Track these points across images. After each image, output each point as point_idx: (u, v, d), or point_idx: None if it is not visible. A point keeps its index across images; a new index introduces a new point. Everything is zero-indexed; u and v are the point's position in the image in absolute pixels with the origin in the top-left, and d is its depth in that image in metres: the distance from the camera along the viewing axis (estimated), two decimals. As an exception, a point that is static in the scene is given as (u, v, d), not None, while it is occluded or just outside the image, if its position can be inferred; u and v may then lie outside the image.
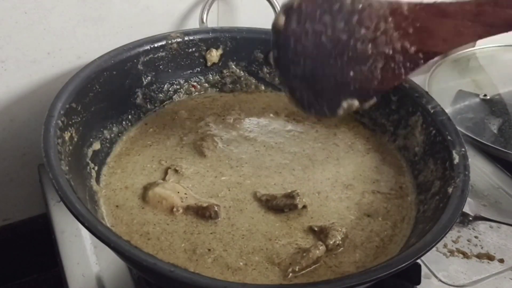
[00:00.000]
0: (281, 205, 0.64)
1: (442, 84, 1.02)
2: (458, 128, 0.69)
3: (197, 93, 0.82)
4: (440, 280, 0.70)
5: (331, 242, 0.61)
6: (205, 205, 0.63)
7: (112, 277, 0.69)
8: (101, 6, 0.78)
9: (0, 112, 0.79)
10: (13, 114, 0.80)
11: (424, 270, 0.65)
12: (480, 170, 0.87)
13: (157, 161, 0.70)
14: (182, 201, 0.64)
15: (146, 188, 0.65)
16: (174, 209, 0.63)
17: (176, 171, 0.68)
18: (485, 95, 1.00)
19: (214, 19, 0.88)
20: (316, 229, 0.63)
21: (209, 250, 0.59)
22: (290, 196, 0.65)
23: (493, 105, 0.99)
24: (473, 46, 1.11)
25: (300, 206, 0.64)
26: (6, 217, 0.90)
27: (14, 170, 0.86)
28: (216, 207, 0.63)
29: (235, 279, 0.56)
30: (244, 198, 0.66)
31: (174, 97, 0.80)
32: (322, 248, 0.59)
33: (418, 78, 1.02)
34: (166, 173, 0.68)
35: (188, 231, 0.61)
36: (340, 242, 0.61)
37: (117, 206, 0.64)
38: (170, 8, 0.84)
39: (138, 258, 0.49)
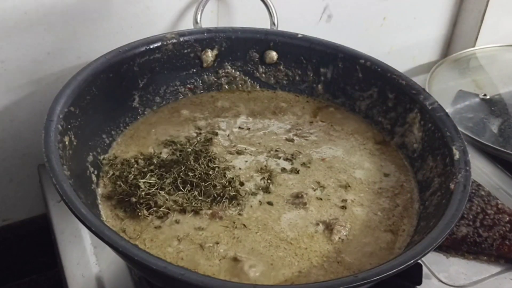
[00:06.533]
0: (290, 203, 0.66)
1: (442, 84, 1.02)
2: (458, 128, 0.69)
3: (192, 94, 0.82)
4: (441, 281, 0.70)
5: (336, 238, 0.62)
6: (209, 212, 0.63)
7: (112, 277, 0.69)
8: (101, 6, 0.78)
9: (0, 112, 0.79)
10: (13, 114, 0.80)
11: (424, 270, 0.65)
12: (480, 170, 0.87)
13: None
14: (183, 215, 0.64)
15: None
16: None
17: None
18: (485, 95, 1.00)
19: (214, 20, 0.88)
20: (321, 225, 0.63)
21: (217, 243, 0.60)
22: (298, 196, 0.66)
23: (493, 105, 0.99)
24: (473, 46, 1.11)
25: (308, 203, 0.66)
26: (6, 217, 0.90)
27: (14, 170, 0.86)
28: (220, 213, 0.63)
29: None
30: (253, 197, 0.67)
31: (169, 99, 0.80)
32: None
33: (418, 78, 1.02)
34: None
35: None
36: (345, 238, 0.62)
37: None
38: (170, 8, 0.84)
39: (147, 262, 0.49)
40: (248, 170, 0.70)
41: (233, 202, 0.65)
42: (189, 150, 0.70)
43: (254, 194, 0.67)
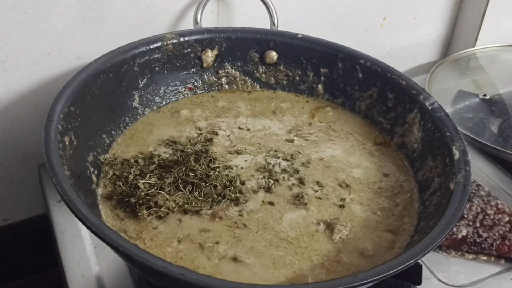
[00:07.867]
0: (291, 203, 0.66)
1: (442, 84, 1.02)
2: (458, 128, 0.69)
3: (193, 94, 0.82)
4: (441, 281, 0.70)
5: (337, 237, 0.62)
6: (209, 212, 0.63)
7: (112, 277, 0.69)
8: (101, 6, 0.78)
9: (0, 112, 0.79)
10: (13, 115, 0.80)
11: (424, 270, 0.65)
12: (480, 170, 0.87)
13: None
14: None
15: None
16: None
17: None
18: (485, 95, 1.00)
19: (214, 20, 0.88)
20: (321, 224, 0.64)
21: (217, 243, 0.60)
22: (299, 196, 0.67)
23: (493, 105, 0.99)
24: (473, 46, 1.11)
25: (308, 203, 0.66)
26: (6, 217, 0.90)
27: (14, 170, 0.85)
28: (220, 213, 0.63)
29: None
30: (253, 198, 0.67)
31: (169, 99, 0.80)
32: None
33: (418, 78, 1.02)
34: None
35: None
36: (345, 237, 0.62)
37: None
38: (170, 8, 0.84)
39: (147, 262, 0.49)
40: (249, 170, 0.70)
41: (234, 202, 0.65)
42: (190, 150, 0.70)
43: (255, 191, 0.67)
